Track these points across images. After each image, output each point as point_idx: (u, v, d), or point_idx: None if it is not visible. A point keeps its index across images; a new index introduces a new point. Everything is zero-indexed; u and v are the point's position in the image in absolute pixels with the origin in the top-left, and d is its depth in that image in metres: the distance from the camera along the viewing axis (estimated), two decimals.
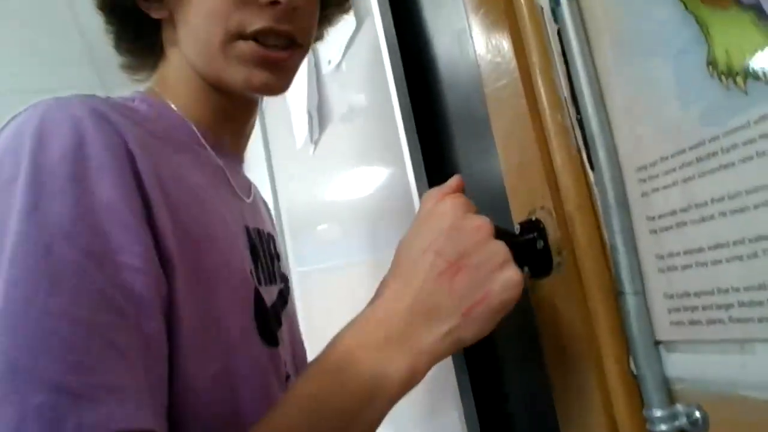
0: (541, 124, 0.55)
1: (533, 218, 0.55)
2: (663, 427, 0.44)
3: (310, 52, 0.65)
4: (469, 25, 0.64)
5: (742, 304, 0.38)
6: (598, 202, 0.50)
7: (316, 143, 1.16)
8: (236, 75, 0.52)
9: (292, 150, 1.29)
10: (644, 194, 0.46)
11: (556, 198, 0.53)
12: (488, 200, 0.65)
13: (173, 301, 0.41)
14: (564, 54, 0.52)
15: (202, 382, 0.42)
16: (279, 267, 0.60)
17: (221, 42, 0.51)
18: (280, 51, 0.52)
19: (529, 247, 0.54)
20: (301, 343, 0.63)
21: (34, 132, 0.39)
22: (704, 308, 0.41)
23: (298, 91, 1.17)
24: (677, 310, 0.44)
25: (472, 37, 0.64)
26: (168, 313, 0.40)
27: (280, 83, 0.54)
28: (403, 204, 0.80)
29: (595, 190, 0.50)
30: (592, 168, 0.50)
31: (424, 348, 0.41)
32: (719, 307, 0.40)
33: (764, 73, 0.35)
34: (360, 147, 0.97)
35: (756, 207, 0.36)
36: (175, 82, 0.55)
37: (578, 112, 0.51)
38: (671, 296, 0.44)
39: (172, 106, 0.54)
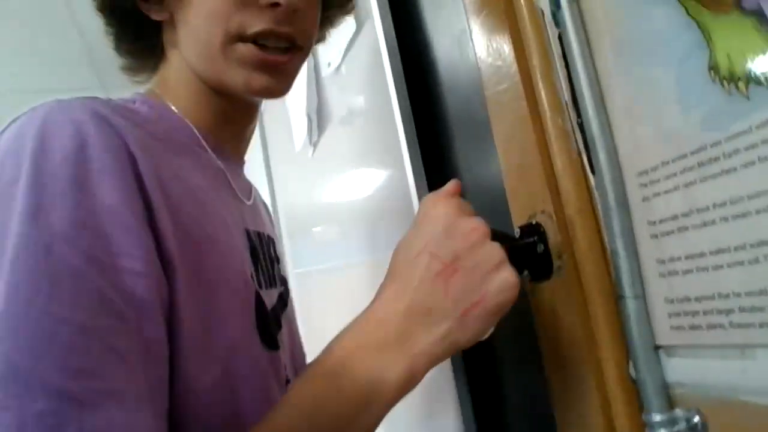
0: (541, 127, 0.54)
1: (533, 222, 0.55)
2: (662, 431, 0.44)
3: (310, 54, 0.65)
4: (469, 28, 0.64)
5: (743, 310, 0.38)
6: (599, 206, 0.50)
7: (315, 146, 1.16)
8: (236, 78, 0.52)
9: (291, 152, 1.29)
10: (645, 198, 0.46)
11: (557, 202, 0.53)
12: (488, 203, 0.65)
13: (174, 303, 0.41)
14: (565, 57, 0.52)
15: (202, 385, 0.42)
16: (279, 270, 0.59)
17: (221, 43, 0.51)
18: (280, 54, 0.52)
19: (529, 250, 0.54)
20: (301, 346, 0.63)
21: (35, 134, 0.39)
22: (705, 313, 0.41)
23: (297, 93, 1.17)
24: (678, 314, 0.44)
25: (472, 40, 0.64)
26: (169, 315, 0.40)
27: (280, 86, 0.54)
28: (403, 206, 0.80)
29: (596, 194, 0.50)
30: (593, 172, 0.50)
31: (422, 350, 0.41)
32: (720, 312, 0.40)
33: (766, 78, 0.35)
34: (359, 149, 0.97)
35: (758, 212, 0.36)
36: (176, 84, 0.55)
37: (579, 115, 0.51)
38: (672, 301, 0.44)
39: (173, 108, 0.54)
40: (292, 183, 1.39)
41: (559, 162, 0.53)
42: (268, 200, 1.46)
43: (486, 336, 0.44)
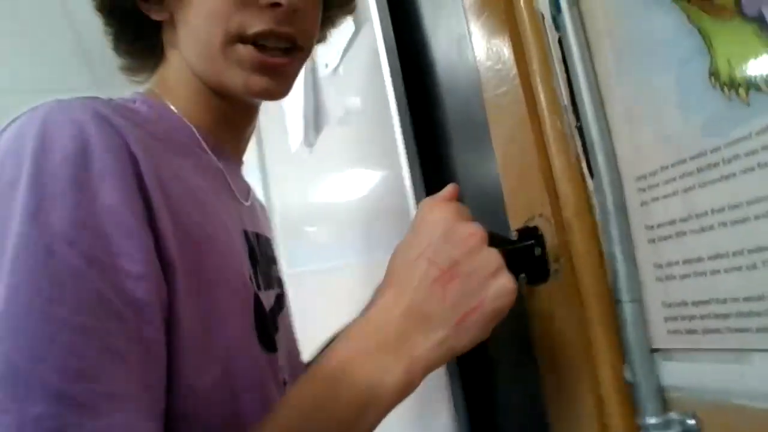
0: (540, 130, 0.55)
1: (531, 225, 0.55)
2: None
3: None
4: (469, 31, 0.64)
5: (740, 315, 0.38)
6: (597, 210, 0.50)
7: (311, 146, 1.16)
8: (235, 79, 0.51)
9: (287, 152, 1.29)
10: (643, 203, 0.46)
11: (555, 205, 0.53)
12: (485, 206, 0.65)
13: (173, 304, 0.40)
14: (564, 61, 0.52)
15: (201, 386, 0.42)
16: (276, 271, 0.59)
17: (221, 44, 0.51)
18: (280, 56, 0.52)
19: (526, 253, 0.54)
20: (297, 348, 0.63)
21: (36, 134, 0.39)
22: (702, 317, 0.41)
23: (294, 93, 1.17)
24: (674, 319, 0.44)
25: (471, 43, 0.64)
26: (168, 316, 0.40)
27: (280, 88, 0.54)
28: (399, 208, 0.80)
29: (594, 198, 0.50)
30: (592, 176, 0.50)
31: (420, 355, 0.41)
32: (717, 316, 0.40)
33: (766, 85, 0.35)
34: (357, 151, 0.97)
35: (757, 218, 0.36)
36: (176, 84, 0.55)
37: (578, 119, 0.51)
38: (669, 305, 0.44)
39: (173, 108, 0.53)
40: (287, 183, 1.39)
41: (558, 165, 0.53)
42: (262, 200, 1.46)
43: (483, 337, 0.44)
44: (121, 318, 0.36)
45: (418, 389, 0.43)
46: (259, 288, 0.51)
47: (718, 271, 0.40)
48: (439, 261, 0.43)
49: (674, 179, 0.43)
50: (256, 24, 0.51)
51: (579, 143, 0.52)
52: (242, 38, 0.51)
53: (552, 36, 0.54)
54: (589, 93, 0.49)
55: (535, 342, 0.58)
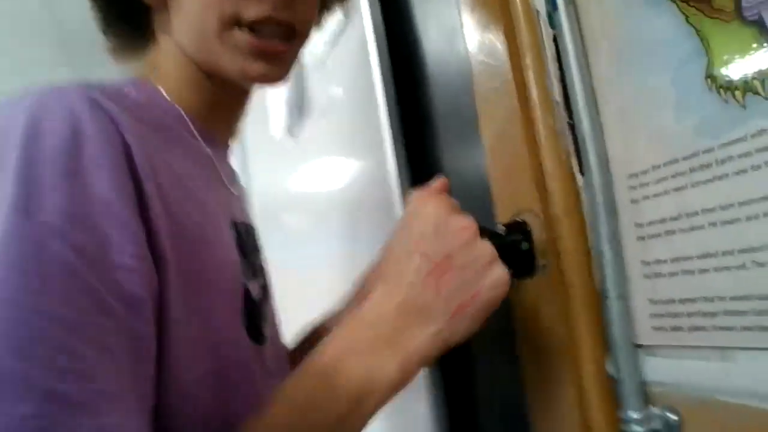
0: (532, 126, 0.55)
1: (520, 220, 0.55)
2: (638, 428, 0.45)
3: None
4: (461, 24, 0.64)
5: (727, 313, 0.39)
6: (586, 207, 0.51)
7: (294, 135, 1.15)
8: (232, 64, 0.50)
9: (268, 139, 1.27)
10: (634, 201, 0.46)
11: (544, 201, 0.53)
12: (471, 200, 0.65)
13: (164, 298, 0.39)
14: (558, 58, 0.52)
15: (191, 380, 0.41)
16: (261, 260, 0.59)
17: (217, 29, 0.49)
18: (279, 42, 0.51)
19: (513, 248, 0.54)
20: (280, 337, 0.62)
21: (26, 121, 0.37)
22: (689, 315, 0.42)
23: None
24: (660, 315, 0.45)
25: (464, 36, 0.64)
26: (158, 310, 0.39)
27: (277, 73, 0.52)
28: (384, 200, 0.80)
29: (584, 194, 0.51)
30: (582, 173, 0.51)
31: (414, 349, 0.41)
32: (704, 314, 0.41)
33: (763, 88, 0.36)
34: (341, 141, 0.97)
35: (748, 219, 0.37)
36: (167, 69, 0.53)
37: (570, 116, 0.51)
38: (655, 302, 0.45)
39: (164, 93, 0.52)
40: (268, 171, 1.37)
41: (548, 161, 0.53)
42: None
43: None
44: (112, 313, 0.35)
45: None
46: (247, 278, 0.50)
47: (707, 270, 0.40)
48: (433, 254, 0.43)
49: (666, 178, 0.43)
50: (253, 10, 0.49)
51: (570, 140, 0.52)
52: (239, 23, 0.49)
53: (546, 32, 0.54)
54: (583, 90, 0.49)
55: (518, 336, 0.58)
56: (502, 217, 0.59)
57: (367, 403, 0.40)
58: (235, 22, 0.49)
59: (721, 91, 0.38)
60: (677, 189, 0.42)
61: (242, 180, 1.47)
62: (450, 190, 0.52)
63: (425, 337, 0.41)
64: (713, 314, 0.40)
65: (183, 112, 0.52)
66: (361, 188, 0.91)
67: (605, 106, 0.49)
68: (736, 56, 0.37)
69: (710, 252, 0.40)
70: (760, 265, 0.37)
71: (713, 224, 0.40)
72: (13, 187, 0.35)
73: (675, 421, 0.43)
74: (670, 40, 0.42)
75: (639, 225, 0.46)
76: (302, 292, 1.07)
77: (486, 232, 0.48)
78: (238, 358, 0.46)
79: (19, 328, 0.32)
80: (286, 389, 0.41)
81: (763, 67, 0.36)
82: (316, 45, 0.98)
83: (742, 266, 0.38)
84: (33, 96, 0.39)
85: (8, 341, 0.31)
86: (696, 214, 0.41)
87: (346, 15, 0.88)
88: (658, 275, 0.45)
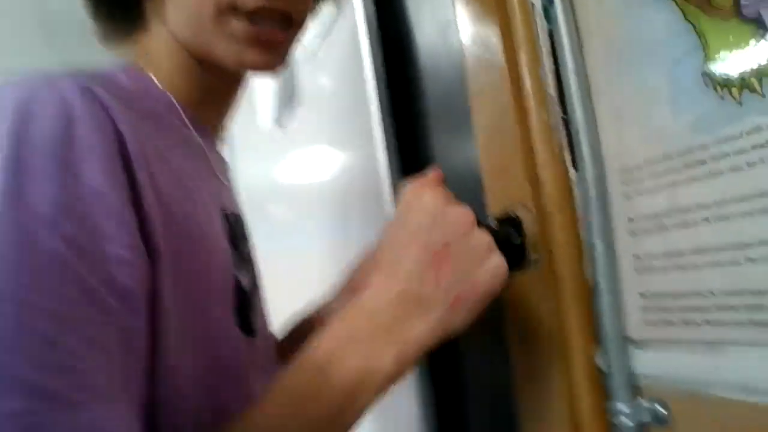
0: (525, 120, 0.55)
1: (511, 213, 0.56)
2: (626, 420, 0.45)
3: None
4: (455, 16, 0.64)
5: (719, 308, 0.39)
6: (579, 202, 0.51)
7: (283, 125, 1.14)
8: (228, 52, 0.49)
9: (255, 129, 1.26)
10: (626, 196, 0.47)
11: (536, 195, 0.53)
12: (462, 193, 0.65)
13: (157, 291, 0.39)
14: (553, 52, 0.52)
15: (184, 375, 0.40)
16: (250, 251, 0.58)
17: (213, 16, 0.48)
18: (276, 30, 0.50)
19: (505, 241, 0.55)
20: (269, 328, 0.62)
21: (16, 108, 0.36)
22: (680, 310, 0.42)
23: None
24: (651, 309, 0.45)
25: (458, 29, 0.64)
26: (151, 303, 0.38)
27: (274, 62, 0.52)
28: (373, 191, 0.80)
29: (577, 189, 0.51)
30: (575, 167, 0.51)
31: (413, 339, 0.41)
32: (695, 309, 0.41)
33: (760, 86, 0.36)
34: (331, 132, 0.96)
35: (743, 215, 0.37)
36: (158, 56, 0.52)
37: (564, 111, 0.51)
38: (646, 296, 0.45)
39: (156, 81, 0.51)
40: (255, 161, 1.36)
41: (541, 155, 0.54)
42: None
43: None
44: (104, 306, 0.34)
45: None
46: (237, 270, 0.50)
47: (700, 266, 0.41)
48: (431, 244, 0.43)
49: (660, 174, 0.43)
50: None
51: (563, 135, 0.52)
52: (235, 11, 0.48)
53: (542, 26, 0.54)
54: (578, 85, 0.50)
55: (508, 328, 0.58)
56: (494, 210, 0.59)
57: (364, 394, 0.39)
58: (231, 9, 0.48)
59: (718, 87, 0.39)
60: (671, 184, 0.43)
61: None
62: (444, 181, 0.52)
63: (424, 327, 0.41)
64: (705, 309, 0.40)
65: (175, 101, 0.51)
66: (350, 180, 0.91)
67: (599, 100, 0.49)
68: (734, 53, 0.37)
69: (703, 247, 0.40)
70: (753, 261, 0.37)
71: (707, 220, 0.40)
72: (3, 176, 0.34)
73: (664, 414, 0.44)
74: (667, 37, 0.42)
75: (631, 220, 0.46)
76: (290, 282, 1.06)
77: (478, 224, 0.49)
78: (230, 351, 0.45)
79: (7, 321, 0.31)
80: (282, 380, 0.41)
81: (761, 65, 0.36)
82: (307, 36, 0.98)
83: (735, 262, 0.38)
84: (21, 83, 0.38)
85: None
86: (690, 209, 0.41)
87: (338, 6, 0.87)
88: (649, 270, 0.45)
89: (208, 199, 0.50)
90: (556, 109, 0.53)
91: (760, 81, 0.36)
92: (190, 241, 0.43)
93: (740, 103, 0.37)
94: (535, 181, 0.54)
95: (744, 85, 0.37)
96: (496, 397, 0.65)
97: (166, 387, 0.39)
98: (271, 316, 0.67)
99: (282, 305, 0.75)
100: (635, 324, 0.46)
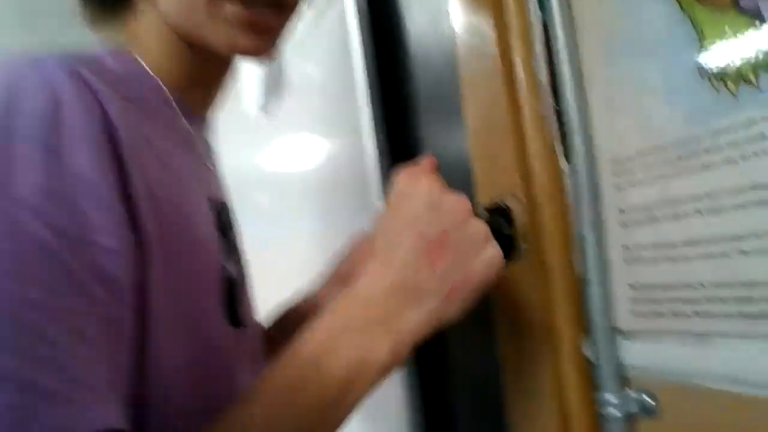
0: (517, 110, 0.55)
1: (502, 203, 0.55)
2: (614, 411, 0.46)
3: None
4: (447, 4, 0.63)
5: (708, 300, 0.40)
6: (570, 192, 0.51)
7: (269, 112, 1.13)
8: (220, 36, 0.47)
9: (240, 116, 1.25)
10: (618, 187, 0.47)
11: (527, 185, 0.53)
12: (452, 183, 0.65)
13: (145, 281, 0.38)
14: (547, 42, 0.52)
15: (171, 369, 0.39)
16: (237, 240, 0.57)
17: (206, 0, 0.47)
18: (270, 15, 0.49)
19: (495, 231, 0.54)
20: (257, 319, 0.61)
21: (2, 93, 0.35)
22: (669, 301, 0.43)
23: None
24: (640, 301, 0.45)
25: (450, 17, 0.63)
26: (139, 294, 0.37)
27: (267, 48, 0.50)
28: (361, 180, 0.79)
29: (568, 180, 0.51)
30: (567, 157, 0.51)
31: (408, 329, 0.40)
32: (685, 301, 0.41)
33: (756, 78, 0.36)
34: (319, 120, 0.95)
35: (735, 208, 0.37)
36: (147, 39, 0.50)
37: (557, 102, 0.51)
38: (635, 287, 0.45)
39: (144, 66, 0.49)
40: (240, 148, 1.34)
41: (533, 146, 0.53)
42: None
43: None
44: (92, 297, 0.33)
45: None
46: (224, 259, 0.49)
47: (690, 258, 0.41)
48: (428, 232, 0.42)
49: (652, 165, 0.43)
50: None
51: (556, 125, 0.52)
52: None
53: (536, 16, 0.53)
54: (571, 75, 0.49)
55: (496, 319, 0.58)
56: (484, 200, 0.59)
57: (359, 384, 0.39)
58: None
59: (713, 79, 0.39)
60: (663, 176, 0.43)
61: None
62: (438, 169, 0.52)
63: (419, 317, 0.41)
64: (694, 301, 0.41)
65: (164, 87, 0.49)
66: (337, 168, 0.90)
67: (592, 91, 0.49)
68: (730, 45, 0.37)
69: (695, 239, 0.40)
70: (745, 253, 0.37)
71: (699, 212, 0.40)
72: None
73: (652, 404, 0.44)
74: (662, 28, 0.42)
75: (622, 211, 0.46)
76: (274, 272, 1.06)
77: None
78: (217, 343, 0.44)
79: None
80: (276, 371, 0.40)
81: (757, 57, 0.36)
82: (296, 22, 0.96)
83: (726, 254, 0.38)
84: (9, 66, 0.37)
85: None
86: (682, 201, 0.41)
87: None
88: (639, 261, 0.45)
89: (196, 187, 0.49)
90: (549, 99, 0.52)
91: (756, 73, 0.36)
92: (178, 230, 0.42)
93: (735, 96, 0.37)
94: (525, 171, 0.54)
95: (740, 77, 0.37)
96: (483, 387, 0.65)
97: (154, 379, 0.38)
98: (257, 305, 0.67)
99: (266, 294, 0.75)
100: (624, 315, 0.46)
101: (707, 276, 0.40)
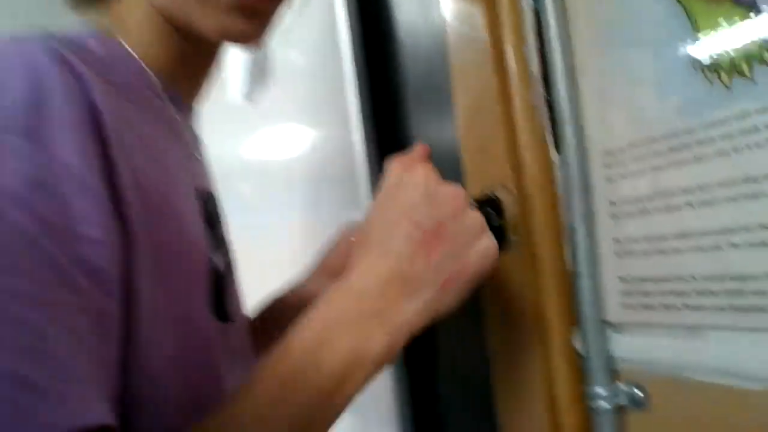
0: (508, 100, 0.54)
1: (491, 194, 0.55)
2: (604, 404, 0.46)
3: None
4: None
5: (699, 293, 0.40)
6: (560, 184, 0.50)
7: (253, 100, 1.11)
8: (209, 20, 0.45)
9: (224, 104, 1.23)
10: (609, 179, 0.46)
11: (518, 176, 0.53)
12: (441, 173, 0.64)
13: (132, 273, 0.36)
14: (539, 31, 0.51)
15: (160, 365, 0.38)
16: (224, 231, 0.56)
17: None
18: (262, 0, 0.47)
19: (486, 222, 0.54)
20: (244, 312, 0.60)
21: None
22: (660, 294, 0.42)
23: None
24: (630, 293, 0.45)
25: (439, 4, 0.62)
26: (126, 286, 0.36)
27: (257, 32, 0.49)
28: (348, 170, 0.78)
29: (558, 171, 0.51)
30: (557, 149, 0.50)
31: (403, 321, 0.40)
32: (676, 294, 0.41)
33: (750, 70, 0.36)
34: (305, 108, 0.94)
35: (727, 201, 0.37)
36: (132, 22, 0.48)
37: (548, 92, 0.51)
38: (626, 280, 0.45)
39: (129, 50, 0.48)
40: (223, 135, 1.33)
41: (524, 136, 0.53)
42: None
43: None
44: (78, 289, 0.32)
45: None
46: (212, 252, 0.48)
47: (681, 250, 0.41)
48: (424, 222, 0.42)
49: (644, 157, 0.43)
50: None
51: (546, 115, 0.51)
52: None
53: (528, 4, 0.53)
54: (563, 65, 0.49)
55: (485, 310, 0.58)
56: (474, 190, 0.59)
57: (354, 379, 0.38)
58: None
59: (707, 71, 0.38)
60: (655, 168, 0.42)
61: None
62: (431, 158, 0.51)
63: (414, 308, 0.40)
64: (685, 293, 0.40)
65: (150, 73, 0.48)
66: (324, 158, 0.89)
67: (584, 81, 0.48)
68: (725, 37, 0.37)
69: (686, 232, 0.40)
70: (736, 246, 0.37)
71: (690, 205, 0.40)
72: None
73: (641, 397, 0.44)
74: (656, 18, 0.41)
75: (613, 203, 0.46)
76: (259, 264, 1.05)
77: None
78: (204, 338, 0.43)
79: None
80: (269, 364, 0.39)
81: (752, 50, 0.36)
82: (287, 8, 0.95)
83: (718, 247, 0.38)
84: None
85: None
86: (673, 194, 0.41)
87: None
88: (630, 253, 0.45)
89: (184, 177, 0.47)
90: (540, 89, 0.52)
91: (750, 65, 0.36)
92: (165, 220, 0.41)
93: (729, 88, 0.37)
94: (516, 162, 0.53)
95: (733, 69, 0.37)
96: (473, 379, 0.65)
97: (143, 379, 0.37)
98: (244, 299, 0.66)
99: (252, 287, 0.74)
100: (614, 308, 0.46)
101: (698, 269, 0.40)
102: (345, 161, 0.79)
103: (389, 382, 0.73)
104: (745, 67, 0.36)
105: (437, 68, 0.65)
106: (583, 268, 0.48)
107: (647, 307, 0.44)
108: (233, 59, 1.15)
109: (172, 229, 0.41)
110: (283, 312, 0.66)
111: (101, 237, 0.34)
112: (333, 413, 0.39)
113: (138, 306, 0.37)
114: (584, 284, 0.47)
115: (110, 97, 0.38)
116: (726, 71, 0.37)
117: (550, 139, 0.51)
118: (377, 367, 0.39)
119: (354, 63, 0.76)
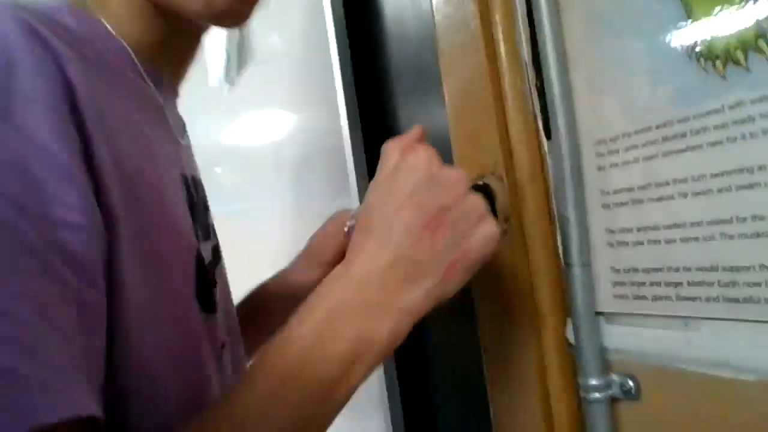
0: (498, 86, 0.53)
1: (482, 182, 0.54)
2: (596, 395, 0.46)
3: None
4: None
5: (691, 284, 0.39)
6: (551, 172, 0.50)
7: (233, 83, 1.09)
8: None
9: (203, 86, 1.20)
10: (601, 168, 0.46)
11: (509, 164, 0.52)
12: None
13: (115, 261, 0.35)
14: (530, 17, 0.50)
15: (147, 357, 0.37)
16: (210, 219, 0.54)
17: None
18: None
19: None
20: (232, 303, 0.58)
21: None
22: (652, 284, 0.42)
23: None
24: (622, 284, 0.45)
25: None
26: (109, 275, 0.35)
27: (244, 10, 0.47)
28: (334, 155, 0.77)
29: (549, 159, 0.50)
30: (549, 137, 0.50)
31: (408, 306, 0.39)
32: (668, 284, 0.41)
33: (745, 58, 0.35)
34: (289, 93, 0.92)
35: (720, 191, 0.37)
36: (113, 1, 0.46)
37: (539, 79, 0.50)
38: (618, 270, 0.45)
39: (109, 28, 0.45)
40: (203, 120, 1.30)
41: (514, 124, 0.52)
42: None
43: None
44: (59, 279, 0.31)
45: None
46: (198, 240, 0.46)
47: (674, 241, 0.40)
48: (427, 206, 0.40)
49: (636, 146, 0.43)
50: None
51: (537, 103, 0.51)
52: None
53: None
54: (555, 52, 0.48)
55: (477, 301, 0.58)
56: None
57: (359, 366, 0.37)
58: None
59: (701, 60, 0.38)
60: (648, 158, 0.42)
61: None
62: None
63: (418, 294, 0.39)
64: (678, 284, 0.40)
65: (129, 49, 0.46)
66: (308, 144, 0.88)
67: (576, 69, 0.47)
68: (721, 25, 0.36)
69: (678, 222, 0.40)
70: (729, 237, 0.37)
71: (683, 195, 0.40)
72: None
73: (633, 387, 0.44)
74: (651, 5, 0.41)
75: (605, 193, 0.46)
76: (248, 251, 1.03)
77: None
78: (189, 330, 0.42)
79: None
80: (270, 355, 0.38)
81: (748, 38, 0.35)
82: None
83: (711, 238, 0.38)
84: None
85: None
86: (666, 183, 0.41)
87: None
88: (622, 244, 0.45)
89: (168, 162, 0.46)
90: (531, 75, 0.51)
91: (745, 53, 0.35)
92: (149, 205, 0.39)
93: (724, 77, 0.36)
94: (507, 150, 0.53)
95: (728, 57, 0.36)
96: (465, 371, 0.65)
97: (131, 372, 0.36)
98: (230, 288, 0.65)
99: (236, 274, 0.73)
100: (606, 298, 0.46)
101: (691, 259, 0.39)
102: (331, 147, 0.78)
103: (380, 372, 0.73)
104: (740, 56, 0.36)
105: (426, 54, 0.64)
106: (574, 258, 0.47)
107: (640, 297, 0.43)
108: (212, 42, 1.13)
109: (155, 215, 0.40)
110: (267, 299, 0.65)
111: (80, 222, 0.32)
112: (338, 403, 0.38)
113: (122, 295, 0.35)
114: (576, 275, 0.47)
115: (87, 74, 0.36)
116: (721, 59, 0.37)
117: (541, 126, 0.51)
118: (381, 356, 0.38)
119: (339, 46, 0.75)
